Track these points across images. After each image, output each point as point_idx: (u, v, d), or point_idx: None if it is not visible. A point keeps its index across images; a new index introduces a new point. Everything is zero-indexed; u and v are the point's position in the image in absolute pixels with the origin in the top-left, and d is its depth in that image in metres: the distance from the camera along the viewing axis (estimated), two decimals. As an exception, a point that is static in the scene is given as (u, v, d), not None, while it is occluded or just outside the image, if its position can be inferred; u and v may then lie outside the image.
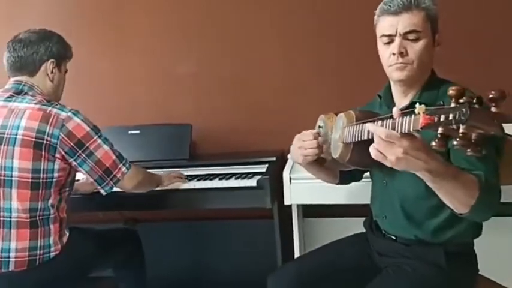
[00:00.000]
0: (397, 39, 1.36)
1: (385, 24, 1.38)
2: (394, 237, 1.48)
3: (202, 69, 2.52)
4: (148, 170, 1.95)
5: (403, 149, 1.02)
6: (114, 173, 1.70)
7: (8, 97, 1.66)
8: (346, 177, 1.69)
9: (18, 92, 1.68)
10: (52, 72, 1.74)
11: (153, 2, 2.52)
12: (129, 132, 2.37)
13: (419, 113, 0.94)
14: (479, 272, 1.49)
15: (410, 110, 1.00)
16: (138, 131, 2.37)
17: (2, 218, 1.59)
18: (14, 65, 1.71)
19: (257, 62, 2.47)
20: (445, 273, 1.38)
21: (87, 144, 1.64)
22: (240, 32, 2.47)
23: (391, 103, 1.49)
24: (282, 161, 2.20)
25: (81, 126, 1.64)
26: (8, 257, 1.58)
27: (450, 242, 1.40)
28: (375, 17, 1.43)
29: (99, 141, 1.67)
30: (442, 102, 0.94)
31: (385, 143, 1.04)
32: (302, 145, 1.51)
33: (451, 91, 0.89)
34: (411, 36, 1.35)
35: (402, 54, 1.36)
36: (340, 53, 2.38)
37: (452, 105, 0.88)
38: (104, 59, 2.59)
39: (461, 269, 1.41)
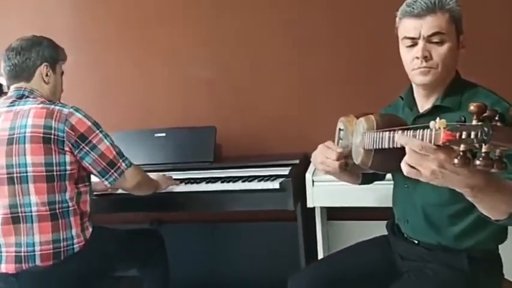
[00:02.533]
0: (421, 43, 1.32)
1: (408, 26, 1.34)
2: (416, 241, 1.47)
3: (224, 75, 2.55)
4: (164, 173, 2.01)
5: (438, 162, 0.97)
6: (118, 165, 1.76)
7: (11, 102, 1.74)
8: (368, 178, 1.67)
9: (20, 97, 1.75)
10: (47, 75, 1.80)
11: (177, 10, 2.57)
12: (155, 135, 2.40)
13: (439, 128, 0.93)
14: (505, 277, 1.46)
15: (425, 125, 0.98)
16: (163, 134, 2.40)
17: (23, 214, 1.64)
18: (11, 73, 1.78)
19: (277, 66, 2.49)
20: (468, 279, 1.36)
21: (90, 138, 1.71)
22: (260, 38, 2.49)
23: (413, 106, 1.48)
24: (305, 163, 2.20)
25: (82, 121, 1.71)
26: (34, 251, 1.63)
27: (473, 248, 1.37)
28: (397, 19, 1.40)
29: (101, 135, 1.74)
30: (463, 118, 0.91)
31: (419, 156, 0.99)
32: (324, 162, 1.48)
33: (472, 107, 0.86)
34: (435, 39, 1.31)
35: (426, 58, 1.32)
36: (357, 56, 2.38)
37: (474, 122, 0.86)
38: (130, 67, 2.66)
39: (485, 274, 1.39)
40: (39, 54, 1.78)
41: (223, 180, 2.12)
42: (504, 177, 1.12)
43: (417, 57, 1.33)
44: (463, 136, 0.87)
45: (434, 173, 0.99)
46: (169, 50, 2.60)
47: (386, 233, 1.63)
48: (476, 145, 0.85)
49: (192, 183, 2.13)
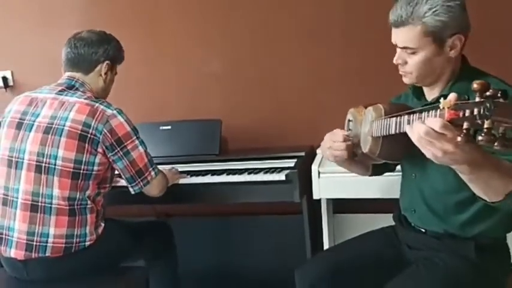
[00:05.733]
0: (398, 50, 1.38)
1: (392, 34, 1.38)
2: (423, 230, 1.47)
3: (230, 67, 2.54)
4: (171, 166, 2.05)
5: (454, 143, 0.96)
6: (145, 175, 1.77)
7: (60, 91, 1.75)
8: (379, 169, 1.65)
9: (70, 87, 1.76)
10: (106, 73, 1.83)
11: (186, 4, 2.56)
12: (161, 128, 2.40)
13: (444, 108, 0.93)
14: (512, 267, 1.46)
15: (436, 104, 0.98)
16: (169, 127, 2.40)
17: (43, 204, 1.65)
18: (72, 61, 1.79)
19: (284, 58, 2.47)
20: (476, 267, 1.36)
21: (125, 143, 1.71)
22: (267, 30, 2.48)
23: (420, 95, 1.48)
24: (311, 155, 2.20)
25: (123, 125, 1.72)
26: (46, 242, 1.64)
27: (480, 235, 1.38)
28: None
29: (136, 142, 1.75)
30: (467, 97, 0.92)
31: (436, 135, 0.97)
32: (332, 146, 1.50)
33: (475, 85, 0.87)
34: (408, 51, 1.34)
35: (401, 64, 1.38)
36: (366, 48, 2.36)
37: (477, 99, 0.87)
38: (138, 59, 2.63)
39: (493, 263, 1.39)
40: (105, 51, 1.81)
41: (229, 172, 2.12)
42: (504, 158, 1.13)
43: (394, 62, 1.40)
44: (467, 114, 0.88)
45: (445, 153, 0.98)
46: (178, 44, 2.59)
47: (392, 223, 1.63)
48: (479, 121, 0.86)
49: (197, 175, 2.12)
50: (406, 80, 1.41)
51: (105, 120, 1.68)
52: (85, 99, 1.72)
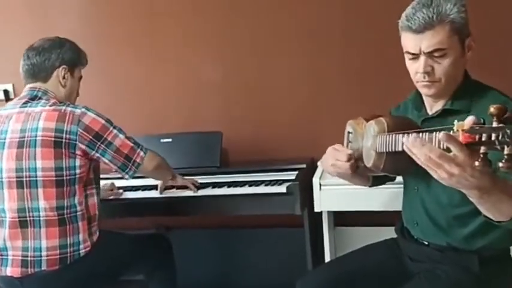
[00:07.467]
0: (422, 58, 1.30)
1: (408, 42, 1.32)
2: (426, 243, 1.46)
3: (231, 78, 2.55)
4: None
5: (461, 167, 0.95)
6: (134, 158, 1.77)
7: (24, 103, 1.73)
8: (379, 179, 1.63)
9: (33, 98, 1.74)
10: (64, 78, 1.80)
11: (185, 12, 2.57)
12: (161, 140, 2.40)
13: (458, 130, 0.92)
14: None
15: (448, 126, 0.96)
16: (169, 139, 2.40)
17: (31, 218, 1.63)
18: (28, 72, 1.78)
19: (284, 70, 2.48)
20: (479, 280, 1.35)
21: (105, 136, 1.71)
22: (269, 42, 2.49)
23: (421, 108, 1.47)
24: (312, 168, 2.20)
25: (96, 120, 1.71)
26: (40, 256, 1.62)
27: (484, 249, 1.36)
28: (399, 28, 1.37)
29: (115, 131, 1.74)
30: (482, 120, 0.91)
31: (450, 158, 0.96)
32: (335, 164, 1.47)
33: (492, 109, 0.86)
34: (437, 54, 1.29)
35: (428, 73, 1.31)
36: (366, 60, 2.37)
37: (494, 124, 0.86)
38: (136, 69, 2.65)
39: (496, 276, 1.38)
40: (59, 56, 1.78)
41: (230, 184, 2.11)
42: (508, 178, 1.11)
43: (420, 72, 1.33)
44: (483, 138, 0.87)
45: (451, 176, 0.98)
46: (178, 54, 2.60)
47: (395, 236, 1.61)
48: (498, 147, 0.85)
49: (198, 188, 2.11)
50: (431, 90, 1.34)
51: (77, 121, 1.67)
52: (50, 106, 1.70)
